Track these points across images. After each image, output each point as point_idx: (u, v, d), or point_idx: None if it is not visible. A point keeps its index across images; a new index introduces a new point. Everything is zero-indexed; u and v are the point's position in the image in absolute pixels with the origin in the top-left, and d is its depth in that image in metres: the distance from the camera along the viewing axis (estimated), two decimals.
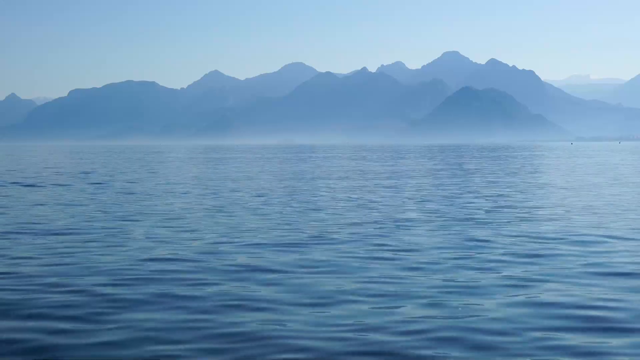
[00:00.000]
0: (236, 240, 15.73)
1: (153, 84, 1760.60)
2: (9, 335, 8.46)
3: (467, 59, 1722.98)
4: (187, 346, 7.98)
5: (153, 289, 10.68)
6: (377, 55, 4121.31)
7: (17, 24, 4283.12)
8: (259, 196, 28.41)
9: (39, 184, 36.46)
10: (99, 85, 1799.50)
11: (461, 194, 29.36)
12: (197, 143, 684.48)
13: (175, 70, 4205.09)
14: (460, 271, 12.01)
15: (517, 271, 11.98)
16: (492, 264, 12.62)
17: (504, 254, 13.64)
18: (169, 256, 13.48)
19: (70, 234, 17.06)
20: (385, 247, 14.61)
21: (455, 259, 13.18)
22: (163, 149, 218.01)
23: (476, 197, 27.36)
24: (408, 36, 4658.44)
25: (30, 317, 9.26)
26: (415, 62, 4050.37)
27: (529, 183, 36.47)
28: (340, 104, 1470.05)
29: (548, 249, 14.33)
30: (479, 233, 16.70)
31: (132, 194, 30.11)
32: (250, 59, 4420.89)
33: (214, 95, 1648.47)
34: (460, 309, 9.45)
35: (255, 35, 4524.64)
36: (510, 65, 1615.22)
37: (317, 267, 12.51)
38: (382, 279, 11.37)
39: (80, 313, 9.36)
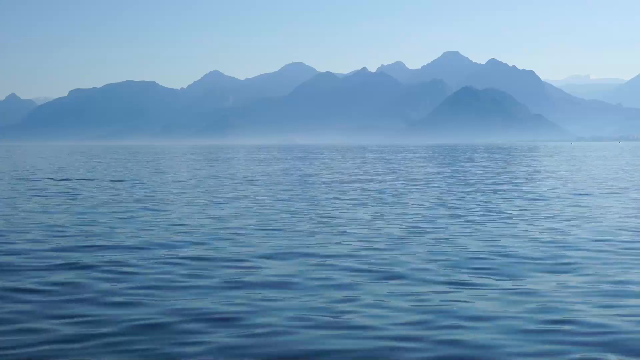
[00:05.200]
0: None
1: (153, 84, 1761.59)
2: None
3: (467, 59, 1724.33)
4: None
5: None
6: (377, 55, 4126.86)
7: (17, 24, 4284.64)
8: None
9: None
10: (99, 85, 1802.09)
11: None
12: (197, 143, 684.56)
13: (175, 70, 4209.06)
14: None
15: None
16: None
17: None
18: None
19: None
20: None
21: None
22: (182, 149, 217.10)
23: None
24: (408, 36, 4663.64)
25: None
26: (415, 62, 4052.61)
27: None
28: (340, 104, 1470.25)
29: None
30: None
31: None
32: (250, 59, 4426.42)
33: (214, 95, 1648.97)
34: None
35: (255, 35, 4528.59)
36: (510, 65, 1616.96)
37: None
38: None
39: None
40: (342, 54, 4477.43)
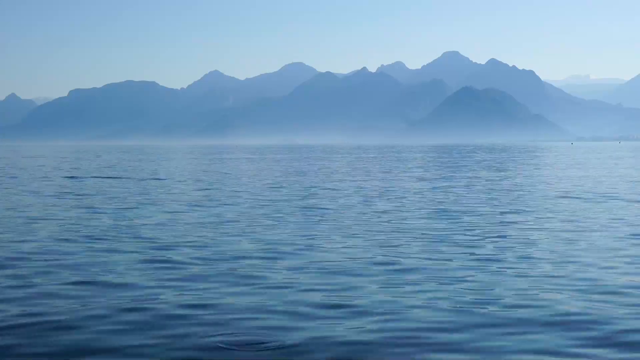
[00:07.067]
0: None
1: (153, 84, 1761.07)
2: None
3: (467, 59, 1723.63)
4: None
5: None
6: (377, 55, 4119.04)
7: (17, 24, 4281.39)
8: None
9: None
10: (99, 85, 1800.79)
11: None
12: (197, 143, 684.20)
13: (175, 70, 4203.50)
14: None
15: None
16: None
17: None
18: None
19: None
20: None
21: None
22: (189, 149, 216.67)
23: None
24: (408, 36, 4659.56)
25: None
26: (415, 62, 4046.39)
27: None
28: (340, 104, 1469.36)
29: None
30: None
31: None
32: (250, 59, 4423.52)
33: (214, 95, 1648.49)
34: None
35: (255, 35, 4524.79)
36: (510, 65, 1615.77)
37: None
38: None
39: None
40: (342, 54, 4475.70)
